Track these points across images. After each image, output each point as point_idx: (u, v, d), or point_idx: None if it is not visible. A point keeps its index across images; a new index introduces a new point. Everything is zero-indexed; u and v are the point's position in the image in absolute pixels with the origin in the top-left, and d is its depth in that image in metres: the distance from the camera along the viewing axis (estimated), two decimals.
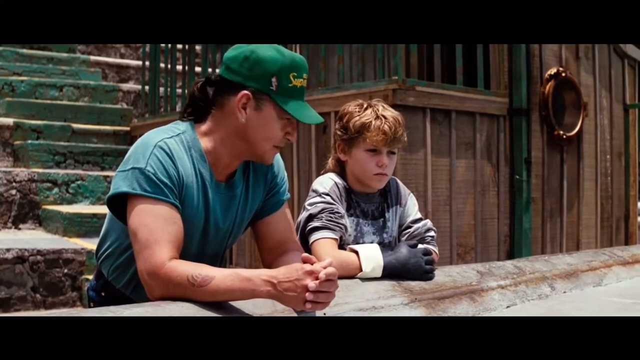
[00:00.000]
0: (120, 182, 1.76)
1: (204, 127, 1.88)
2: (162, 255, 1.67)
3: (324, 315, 1.69)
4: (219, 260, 2.01)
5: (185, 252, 1.79)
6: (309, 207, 2.10)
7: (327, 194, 2.10)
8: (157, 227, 1.69)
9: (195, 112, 1.90)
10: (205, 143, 1.87)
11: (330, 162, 2.24)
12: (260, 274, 1.62)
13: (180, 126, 1.89)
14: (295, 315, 1.68)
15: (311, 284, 1.57)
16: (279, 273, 1.61)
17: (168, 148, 1.79)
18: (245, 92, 1.80)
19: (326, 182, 2.14)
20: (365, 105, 2.15)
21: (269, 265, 1.97)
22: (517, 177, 4.29)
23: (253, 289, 1.61)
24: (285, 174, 2.08)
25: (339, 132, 2.18)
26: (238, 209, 1.96)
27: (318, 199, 2.10)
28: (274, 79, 1.78)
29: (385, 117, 2.10)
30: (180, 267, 1.66)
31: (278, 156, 2.04)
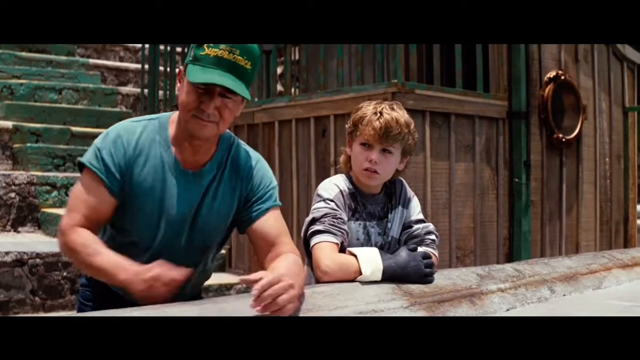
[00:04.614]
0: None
1: (175, 113, 2.00)
2: (71, 222, 1.88)
3: (324, 316, 1.69)
4: (196, 261, 2.02)
5: (147, 240, 1.93)
6: (313, 211, 2.11)
7: (332, 200, 2.10)
8: (81, 197, 1.90)
9: None
10: (173, 128, 1.97)
11: (342, 157, 2.24)
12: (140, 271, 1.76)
13: (164, 114, 2.02)
14: (297, 316, 1.67)
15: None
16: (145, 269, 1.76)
17: (125, 131, 1.92)
18: (181, 67, 1.94)
19: (331, 188, 2.14)
20: (374, 103, 2.15)
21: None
22: (517, 180, 4.29)
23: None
24: (273, 181, 2.05)
25: (346, 126, 2.20)
26: (203, 199, 1.97)
27: (322, 204, 2.10)
28: (192, 51, 1.88)
29: (381, 114, 2.09)
30: (82, 235, 1.85)
31: (263, 163, 2.04)
